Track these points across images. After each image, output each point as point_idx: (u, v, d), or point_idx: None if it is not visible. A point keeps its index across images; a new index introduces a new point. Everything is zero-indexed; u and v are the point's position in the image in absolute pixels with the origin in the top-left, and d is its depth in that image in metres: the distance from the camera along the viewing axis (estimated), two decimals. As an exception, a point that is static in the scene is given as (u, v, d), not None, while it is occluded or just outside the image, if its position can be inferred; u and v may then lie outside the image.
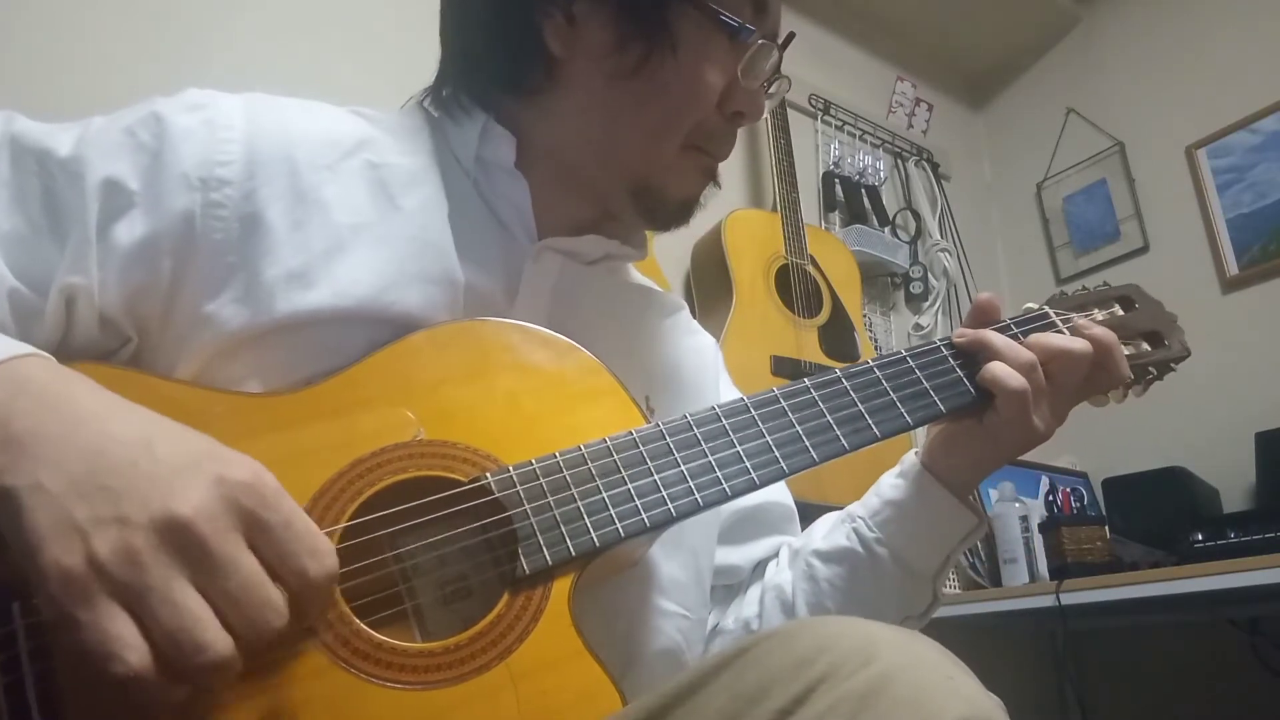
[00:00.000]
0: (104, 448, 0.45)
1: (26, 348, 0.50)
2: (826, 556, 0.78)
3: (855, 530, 0.77)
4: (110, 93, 0.80)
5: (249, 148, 0.63)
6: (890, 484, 0.77)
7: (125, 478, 0.44)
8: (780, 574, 0.81)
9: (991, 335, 0.72)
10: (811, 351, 2.01)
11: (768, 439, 0.65)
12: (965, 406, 0.71)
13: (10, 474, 0.43)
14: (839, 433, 0.66)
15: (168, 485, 0.44)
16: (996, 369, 0.69)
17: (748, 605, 0.83)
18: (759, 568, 0.85)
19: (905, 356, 0.71)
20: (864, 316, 2.35)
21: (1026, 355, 0.70)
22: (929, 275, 2.59)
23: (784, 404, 0.66)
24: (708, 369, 0.85)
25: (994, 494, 2.15)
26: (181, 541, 0.43)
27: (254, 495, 0.46)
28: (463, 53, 0.74)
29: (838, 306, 2.12)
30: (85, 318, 0.59)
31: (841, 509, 0.83)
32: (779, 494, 0.86)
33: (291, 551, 0.46)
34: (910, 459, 0.77)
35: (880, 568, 0.75)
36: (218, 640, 0.42)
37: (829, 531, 0.80)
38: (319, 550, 0.47)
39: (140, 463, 0.44)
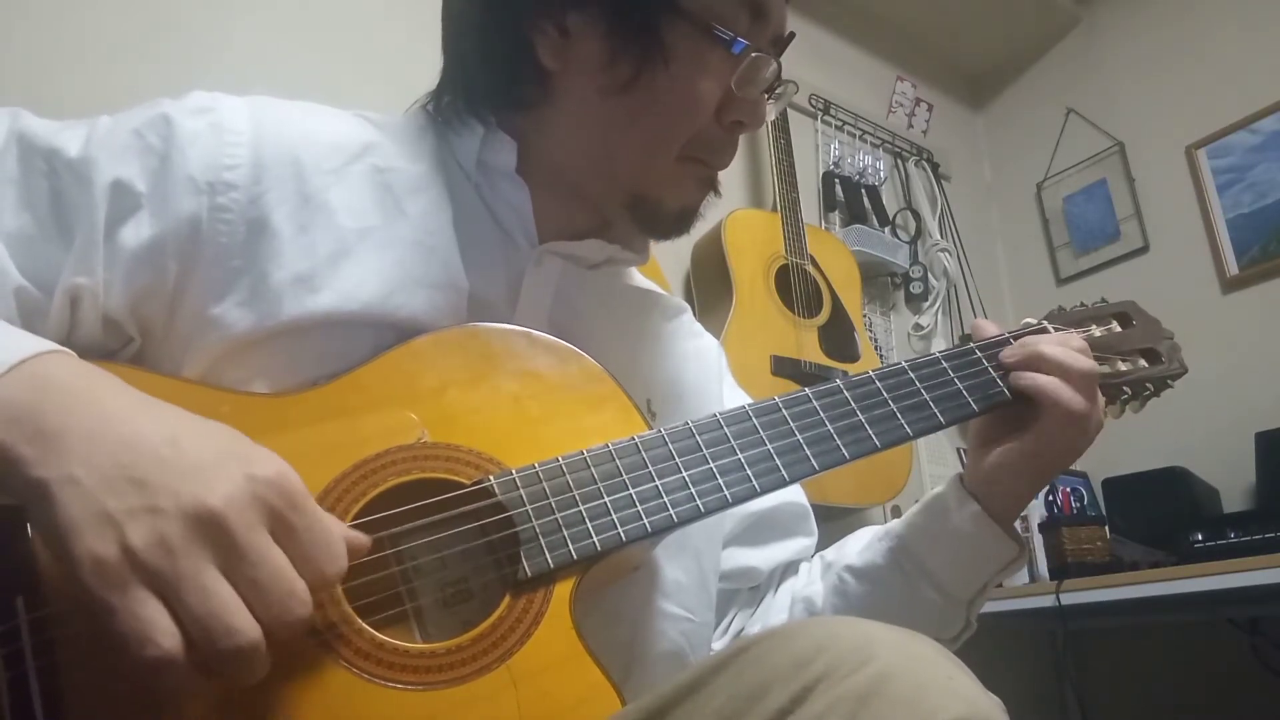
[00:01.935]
0: (133, 443, 0.46)
1: (50, 344, 0.50)
2: (860, 574, 0.78)
3: (892, 550, 0.77)
4: (111, 93, 0.80)
5: (255, 152, 0.63)
6: (933, 506, 0.77)
7: (155, 471, 0.45)
8: (811, 585, 0.81)
9: (1045, 345, 0.72)
10: (811, 351, 2.01)
11: (769, 447, 0.65)
12: (964, 419, 0.71)
13: (42, 466, 0.44)
14: (839, 442, 0.67)
15: (198, 478, 0.45)
16: (1043, 380, 0.70)
17: (776, 613, 0.83)
18: (780, 570, 0.85)
19: (905, 367, 0.72)
20: (864, 316, 2.35)
21: (1085, 364, 0.70)
22: (929, 275, 2.59)
23: (785, 412, 0.67)
24: (710, 372, 0.85)
25: (994, 494, 2.15)
26: (212, 532, 0.44)
27: (280, 493, 0.47)
28: (460, 64, 0.74)
29: (838, 306, 2.12)
30: (89, 318, 0.59)
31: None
32: (793, 494, 0.86)
33: (312, 552, 0.47)
34: (954, 481, 0.77)
35: (915, 590, 0.75)
36: (246, 626, 0.43)
37: (865, 548, 0.79)
38: (337, 555, 0.48)
39: (169, 457, 0.45)
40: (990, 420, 0.74)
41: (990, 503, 0.74)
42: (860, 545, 0.80)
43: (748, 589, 0.85)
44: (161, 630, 0.42)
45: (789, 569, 0.86)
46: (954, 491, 0.76)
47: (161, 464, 0.45)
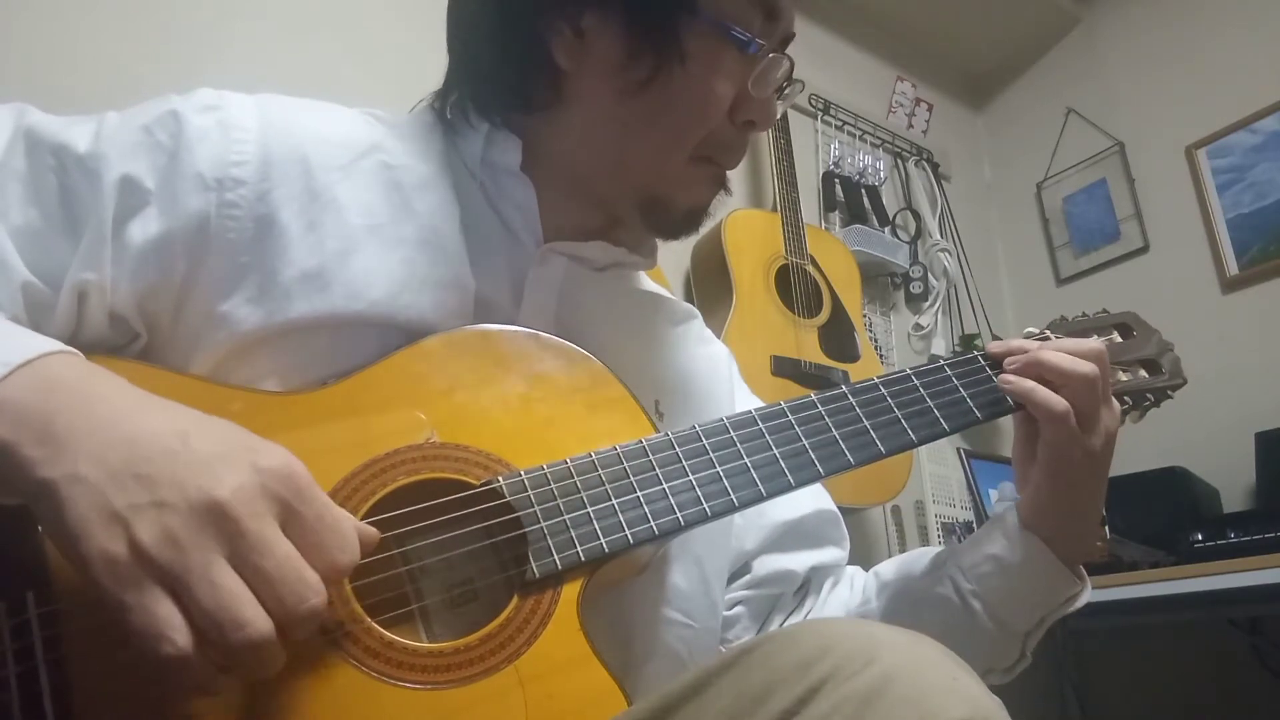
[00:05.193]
0: (139, 439, 0.45)
1: (55, 344, 0.50)
2: (921, 600, 0.78)
3: (952, 579, 0.77)
4: (111, 95, 0.80)
5: (263, 148, 0.63)
6: (991, 537, 0.77)
7: (161, 466, 0.44)
8: (866, 605, 0.82)
9: (1046, 351, 0.72)
10: (811, 351, 2.01)
11: (775, 451, 0.65)
12: (968, 425, 0.72)
13: (48, 467, 0.44)
14: (844, 447, 0.67)
15: (204, 471, 0.45)
16: (1025, 384, 0.70)
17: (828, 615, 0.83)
18: (817, 572, 0.86)
19: (910, 374, 0.73)
20: (864, 316, 2.35)
21: (1084, 368, 0.70)
22: (929, 275, 2.59)
23: (791, 418, 0.67)
24: (721, 379, 0.85)
25: (994, 494, 2.15)
26: (218, 523, 0.44)
27: (288, 484, 0.46)
28: (469, 65, 0.74)
29: (838, 307, 2.13)
30: (96, 314, 0.60)
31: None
32: (824, 502, 0.86)
33: (323, 541, 0.47)
34: (1010, 513, 0.77)
35: (975, 620, 0.75)
36: (256, 618, 0.43)
37: (924, 573, 0.80)
38: (349, 542, 0.48)
39: (176, 451, 0.45)
40: (1021, 441, 0.75)
41: (1044, 532, 0.74)
42: (920, 570, 0.80)
43: (791, 593, 0.85)
44: (174, 627, 0.42)
45: (828, 571, 0.86)
46: (1010, 525, 0.76)
47: (168, 458, 0.45)
